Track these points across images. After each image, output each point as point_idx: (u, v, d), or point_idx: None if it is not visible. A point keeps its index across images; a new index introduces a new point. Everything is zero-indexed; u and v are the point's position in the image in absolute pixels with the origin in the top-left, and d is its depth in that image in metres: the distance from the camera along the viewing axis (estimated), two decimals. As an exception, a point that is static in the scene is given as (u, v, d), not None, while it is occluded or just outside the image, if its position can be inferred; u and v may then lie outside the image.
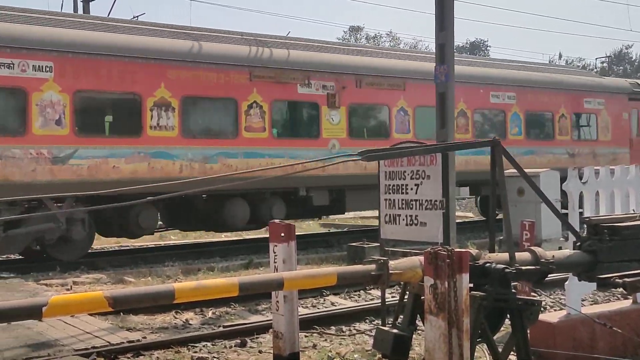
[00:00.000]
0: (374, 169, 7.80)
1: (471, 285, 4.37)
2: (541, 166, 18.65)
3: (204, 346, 7.38)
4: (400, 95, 17.72)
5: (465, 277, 4.18)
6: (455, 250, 4.21)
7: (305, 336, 7.61)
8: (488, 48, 73.85)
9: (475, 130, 19.33)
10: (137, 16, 22.51)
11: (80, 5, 25.49)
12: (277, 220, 6.29)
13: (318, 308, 9.56)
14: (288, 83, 16.03)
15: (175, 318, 8.93)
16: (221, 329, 8.19)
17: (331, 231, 18.73)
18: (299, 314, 6.29)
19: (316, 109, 16.46)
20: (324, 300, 10.06)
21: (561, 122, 21.28)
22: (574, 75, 23.06)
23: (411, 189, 6.90)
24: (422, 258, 4.54)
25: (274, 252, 6.01)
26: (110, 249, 16.80)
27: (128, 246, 17.58)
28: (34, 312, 3.67)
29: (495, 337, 4.91)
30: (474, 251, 4.97)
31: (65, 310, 4.13)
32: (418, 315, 5.09)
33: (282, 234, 5.94)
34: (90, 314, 8.27)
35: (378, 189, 7.26)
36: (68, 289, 10.99)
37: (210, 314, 9.17)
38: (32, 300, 3.77)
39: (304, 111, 16.75)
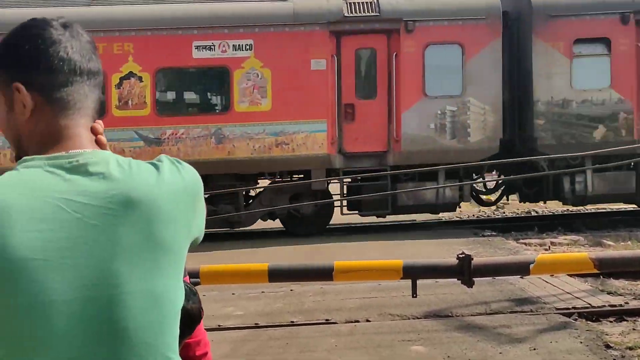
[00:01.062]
0: None
1: None
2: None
3: None
4: None
5: None
6: None
7: None
8: None
9: None
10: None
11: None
12: None
13: None
14: None
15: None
16: None
17: None
18: None
19: None
20: None
21: None
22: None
23: None
24: None
25: None
26: (587, 211, 16.59)
27: (605, 209, 17.13)
28: (522, 269, 3.96)
29: None
30: None
31: (550, 269, 4.35)
32: None
33: None
34: (569, 275, 8.38)
35: None
36: (546, 249, 11.28)
37: None
38: (521, 257, 4.07)
39: None
